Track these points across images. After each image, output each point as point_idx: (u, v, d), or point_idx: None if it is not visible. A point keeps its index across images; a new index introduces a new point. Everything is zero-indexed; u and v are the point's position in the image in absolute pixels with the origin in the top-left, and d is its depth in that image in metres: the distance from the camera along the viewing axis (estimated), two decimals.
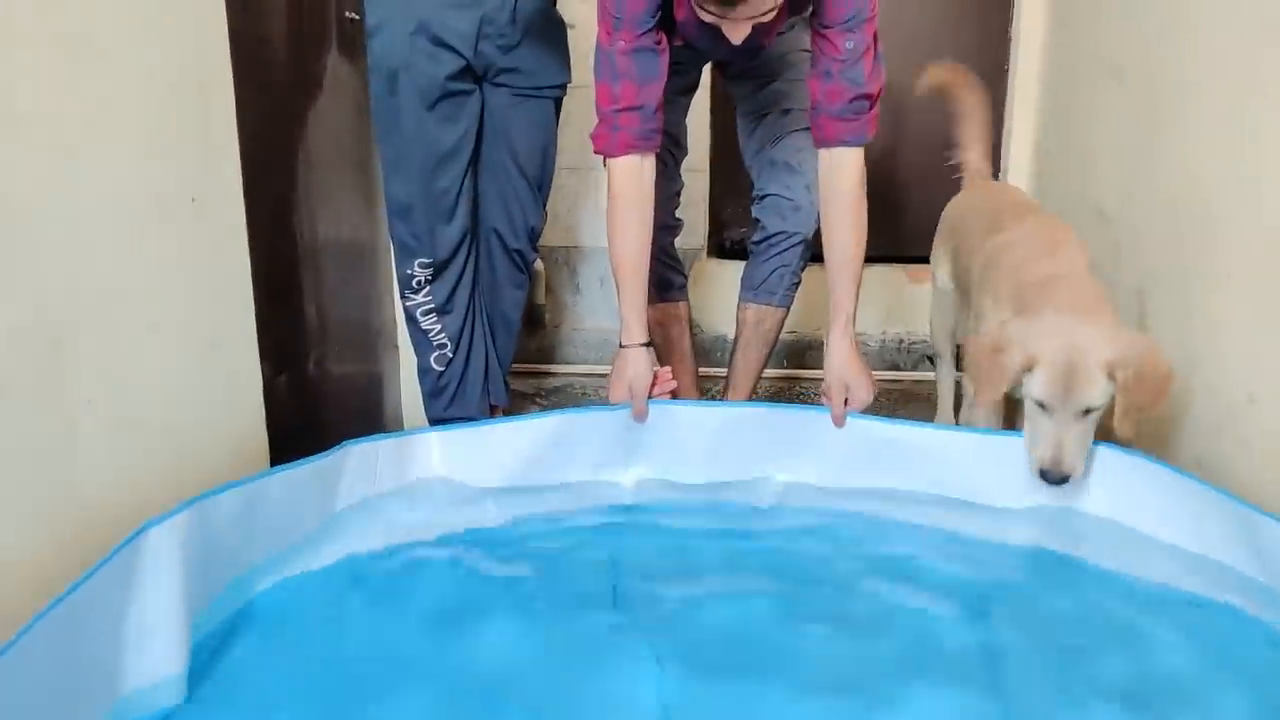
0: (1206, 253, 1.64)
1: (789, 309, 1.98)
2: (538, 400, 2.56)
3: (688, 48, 1.74)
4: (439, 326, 1.93)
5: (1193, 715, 1.04)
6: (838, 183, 1.65)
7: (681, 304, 2.05)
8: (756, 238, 1.94)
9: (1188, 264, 1.72)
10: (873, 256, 2.68)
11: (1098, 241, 2.10)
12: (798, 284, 1.95)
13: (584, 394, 2.62)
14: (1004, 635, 1.21)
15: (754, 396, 2.09)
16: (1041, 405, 1.42)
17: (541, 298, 2.81)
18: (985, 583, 1.36)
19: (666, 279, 1.99)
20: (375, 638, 1.20)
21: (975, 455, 1.58)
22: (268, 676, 1.12)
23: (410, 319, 1.95)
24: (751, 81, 1.89)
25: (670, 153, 1.88)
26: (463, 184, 1.86)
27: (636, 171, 1.63)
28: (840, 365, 1.68)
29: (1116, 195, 2.04)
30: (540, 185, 1.98)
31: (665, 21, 1.60)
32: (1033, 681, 1.11)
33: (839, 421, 1.65)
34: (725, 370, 2.15)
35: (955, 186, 2.23)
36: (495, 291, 2.03)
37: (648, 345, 1.71)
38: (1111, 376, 1.37)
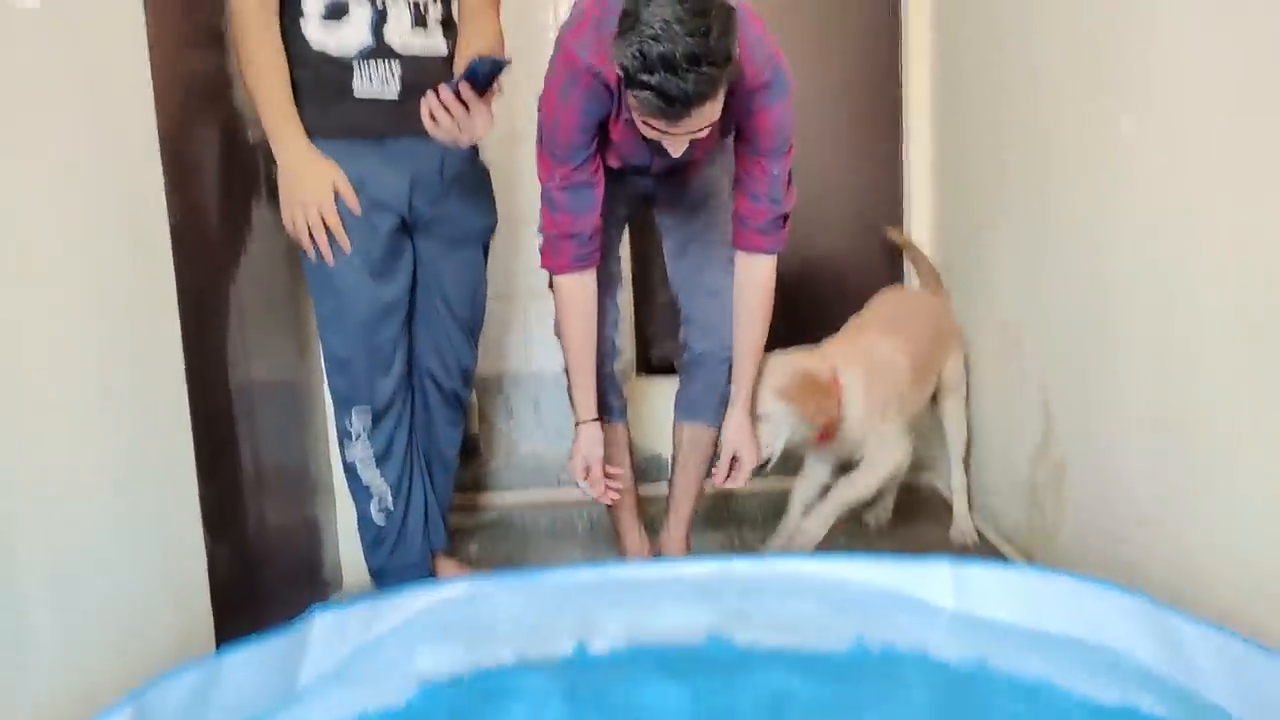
0: (1101, 361, 1.78)
1: (720, 426, 2.05)
2: (475, 535, 2.55)
3: (622, 177, 1.87)
4: (379, 476, 1.93)
5: None
6: (752, 282, 1.88)
7: (620, 426, 2.11)
8: (685, 358, 2.05)
9: (1086, 373, 1.85)
10: None
11: (1004, 354, 2.24)
12: (726, 401, 2.03)
13: (521, 525, 2.62)
14: None
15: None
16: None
17: (475, 427, 2.82)
18: None
19: (606, 403, 2.05)
20: None
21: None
22: None
23: (349, 471, 1.95)
24: (678, 214, 2.01)
25: (606, 284, 1.97)
26: (399, 333, 1.90)
27: (579, 285, 1.86)
28: (734, 433, 1.96)
29: (1014, 305, 2.18)
30: (472, 327, 2.04)
31: (602, 143, 1.75)
32: None
33: (719, 483, 1.98)
34: (661, 489, 2.25)
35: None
36: (431, 432, 2.06)
37: (597, 420, 1.96)
38: (781, 396, 1.95)
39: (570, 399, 1.97)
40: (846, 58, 2.78)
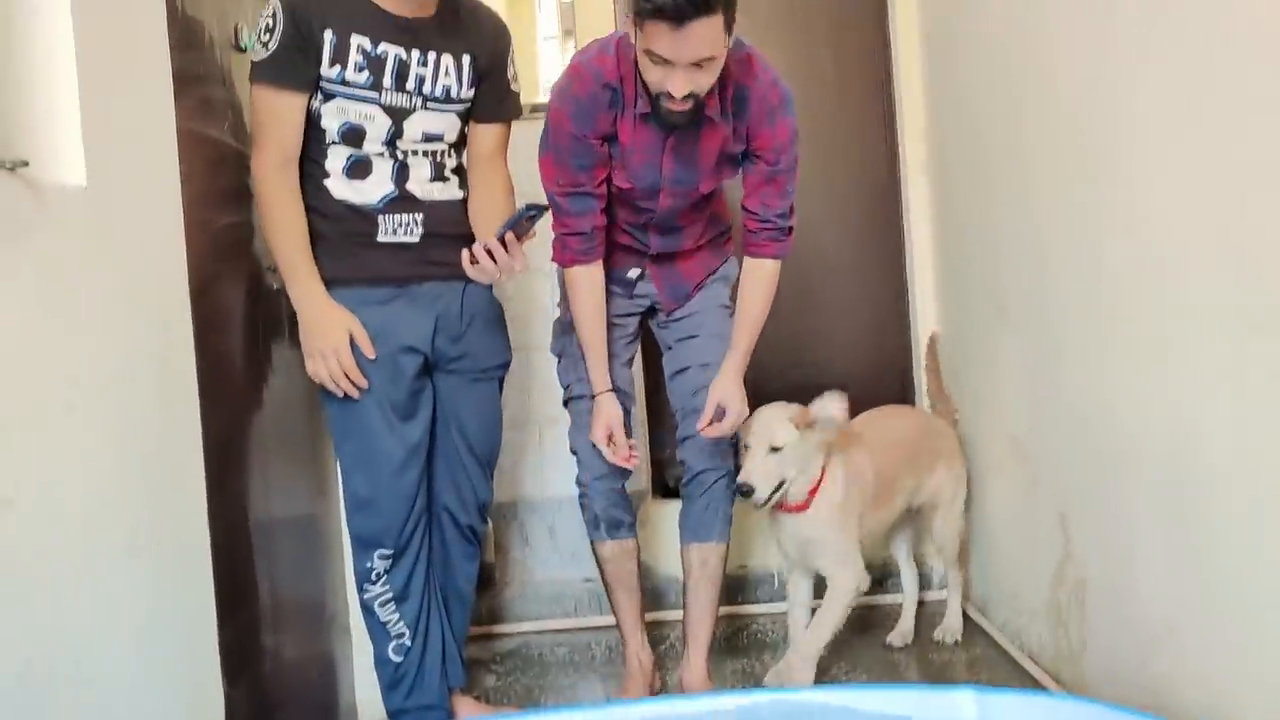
0: (1113, 481, 1.78)
1: (728, 543, 2.13)
2: (492, 667, 2.52)
3: (626, 279, 2.10)
4: (397, 615, 1.92)
5: None
6: (758, 274, 2.03)
7: (630, 541, 2.18)
8: (685, 479, 2.13)
9: (1098, 492, 1.85)
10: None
11: (1018, 471, 2.25)
12: (730, 518, 2.11)
13: (539, 654, 2.59)
14: None
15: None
16: (746, 445, 2.04)
17: (491, 556, 2.82)
18: None
19: (616, 519, 2.14)
20: None
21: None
22: None
23: (367, 611, 1.93)
24: (677, 334, 2.14)
25: (625, 408, 2.09)
26: (422, 473, 1.92)
27: (586, 273, 2.00)
28: (723, 387, 1.99)
29: (1025, 428, 2.20)
30: (489, 461, 2.06)
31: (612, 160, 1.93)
32: None
33: (700, 428, 1.97)
34: (679, 614, 2.27)
35: None
36: (448, 568, 2.05)
37: (613, 390, 2.03)
38: (794, 424, 2.03)
39: (586, 376, 2.04)
40: (849, 174, 2.89)
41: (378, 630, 1.93)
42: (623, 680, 2.25)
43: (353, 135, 1.79)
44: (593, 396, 2.04)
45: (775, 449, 2.02)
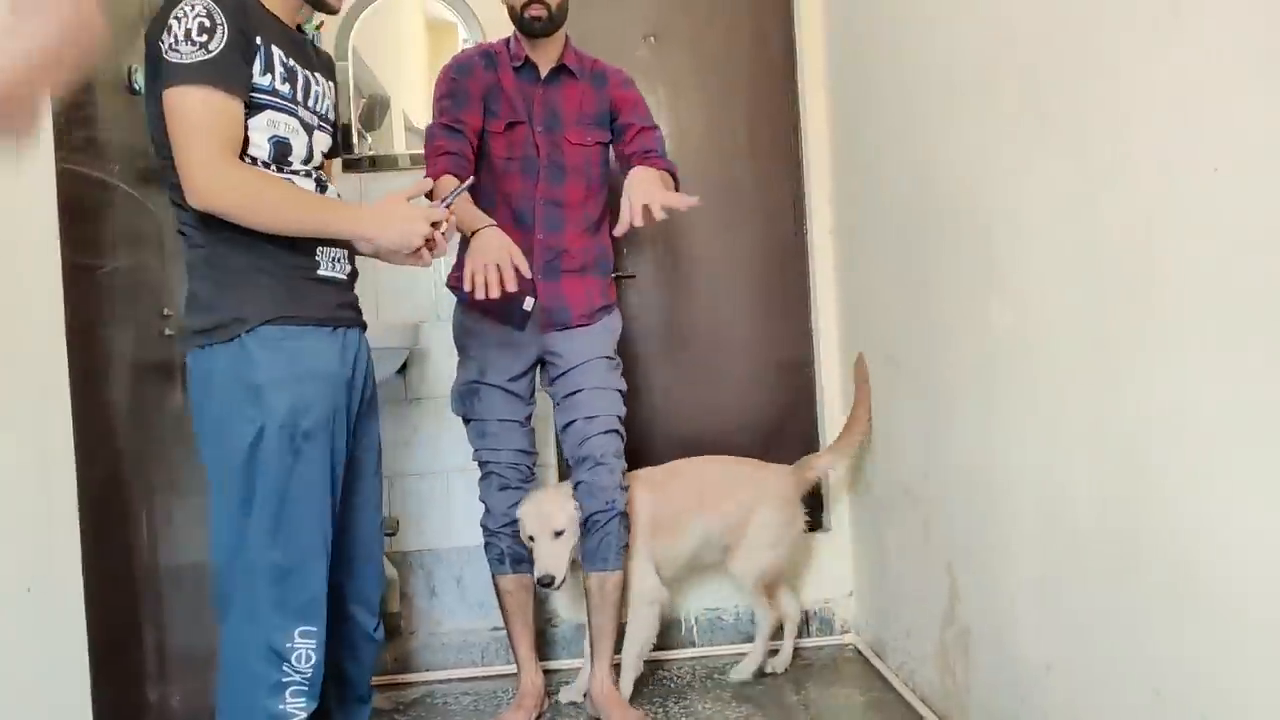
0: (994, 532, 1.86)
1: (623, 569, 2.37)
2: (395, 716, 2.48)
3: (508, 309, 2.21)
4: (301, 711, 1.63)
5: None
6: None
7: (529, 576, 2.38)
8: (581, 518, 2.33)
9: (981, 542, 1.93)
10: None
11: (910, 518, 2.33)
12: (624, 546, 2.35)
13: (445, 703, 2.56)
14: None
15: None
16: (530, 536, 2.30)
17: (396, 605, 2.79)
18: None
19: (520, 555, 2.38)
20: None
21: None
22: None
23: (265, 714, 1.60)
24: (564, 389, 2.33)
25: (528, 467, 2.40)
26: None
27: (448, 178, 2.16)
28: (633, 176, 2.06)
29: (917, 477, 2.28)
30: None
31: (492, 129, 2.29)
32: None
33: (620, 227, 2.00)
34: (580, 662, 2.58)
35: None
36: (357, 665, 1.86)
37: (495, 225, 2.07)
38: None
39: (461, 225, 2.01)
40: (759, 228, 2.97)
41: None
42: (517, 700, 2.40)
43: (281, 151, 1.64)
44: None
45: (559, 533, 2.27)
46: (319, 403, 1.64)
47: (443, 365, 2.84)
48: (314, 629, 1.64)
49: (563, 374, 2.33)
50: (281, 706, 1.61)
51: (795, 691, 2.51)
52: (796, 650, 2.71)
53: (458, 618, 2.84)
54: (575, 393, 2.31)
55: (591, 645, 2.40)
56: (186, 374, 1.65)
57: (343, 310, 1.74)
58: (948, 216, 2.01)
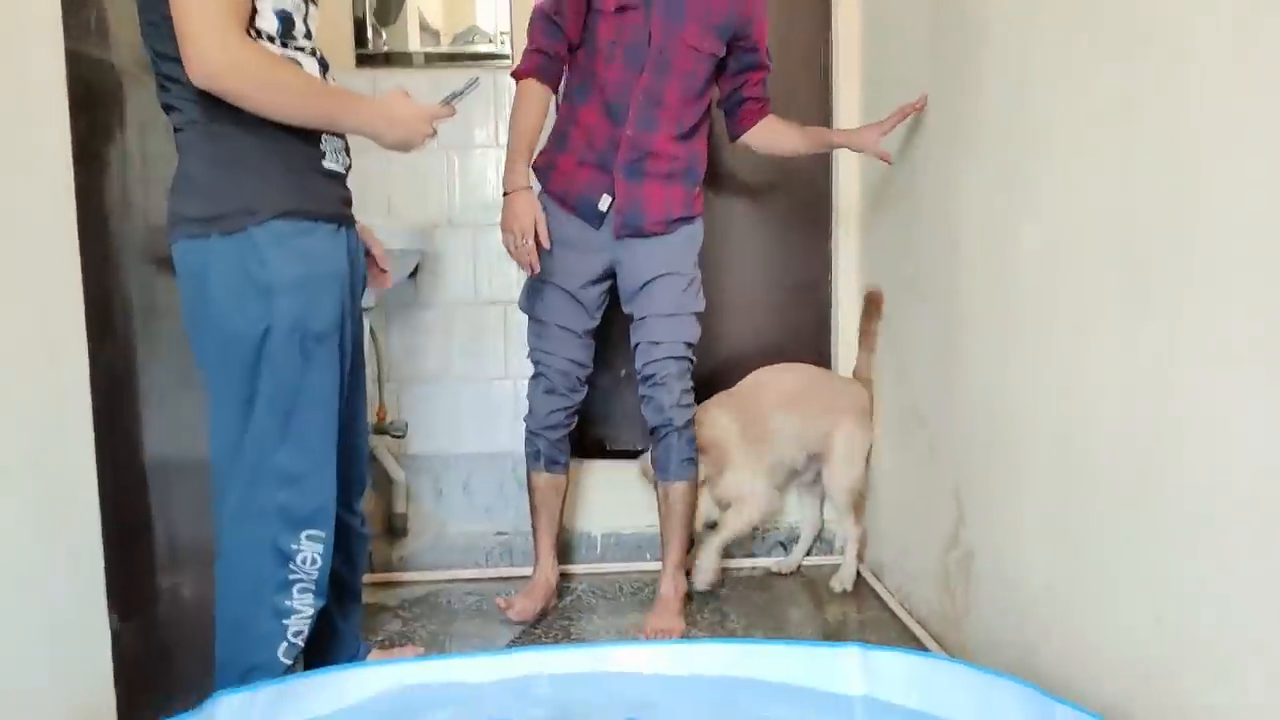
0: (1005, 457, 1.86)
1: (688, 480, 2.40)
2: (399, 613, 2.53)
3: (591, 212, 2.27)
4: (310, 609, 1.64)
5: None
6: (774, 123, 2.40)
7: (562, 478, 2.49)
8: (649, 428, 2.40)
9: (991, 467, 1.93)
10: None
11: (920, 443, 2.33)
12: (688, 459, 2.38)
13: (448, 602, 2.61)
14: None
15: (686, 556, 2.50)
16: None
17: (403, 506, 2.82)
18: None
19: (555, 457, 2.45)
20: None
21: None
22: None
23: (267, 600, 1.61)
24: (636, 310, 2.33)
25: (578, 378, 2.41)
26: None
27: (533, 87, 2.20)
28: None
29: (930, 402, 2.27)
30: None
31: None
32: None
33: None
34: (586, 568, 2.81)
35: None
36: (351, 563, 1.91)
37: (530, 189, 2.18)
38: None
39: (505, 177, 2.20)
40: (787, 165, 2.90)
41: (270, 627, 1.62)
42: (529, 588, 2.47)
43: (286, 27, 1.53)
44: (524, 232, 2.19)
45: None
46: (329, 305, 1.60)
47: (456, 271, 2.81)
48: (322, 534, 1.65)
49: (635, 292, 2.31)
50: (289, 603, 1.63)
51: (791, 607, 2.55)
52: (797, 567, 2.77)
53: (463, 522, 2.87)
54: (644, 319, 2.31)
55: (662, 551, 2.47)
56: (175, 264, 1.56)
57: (345, 207, 1.69)
58: (979, 133, 1.96)
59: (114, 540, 1.58)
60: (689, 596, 2.54)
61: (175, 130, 1.55)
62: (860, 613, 2.49)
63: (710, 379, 2.76)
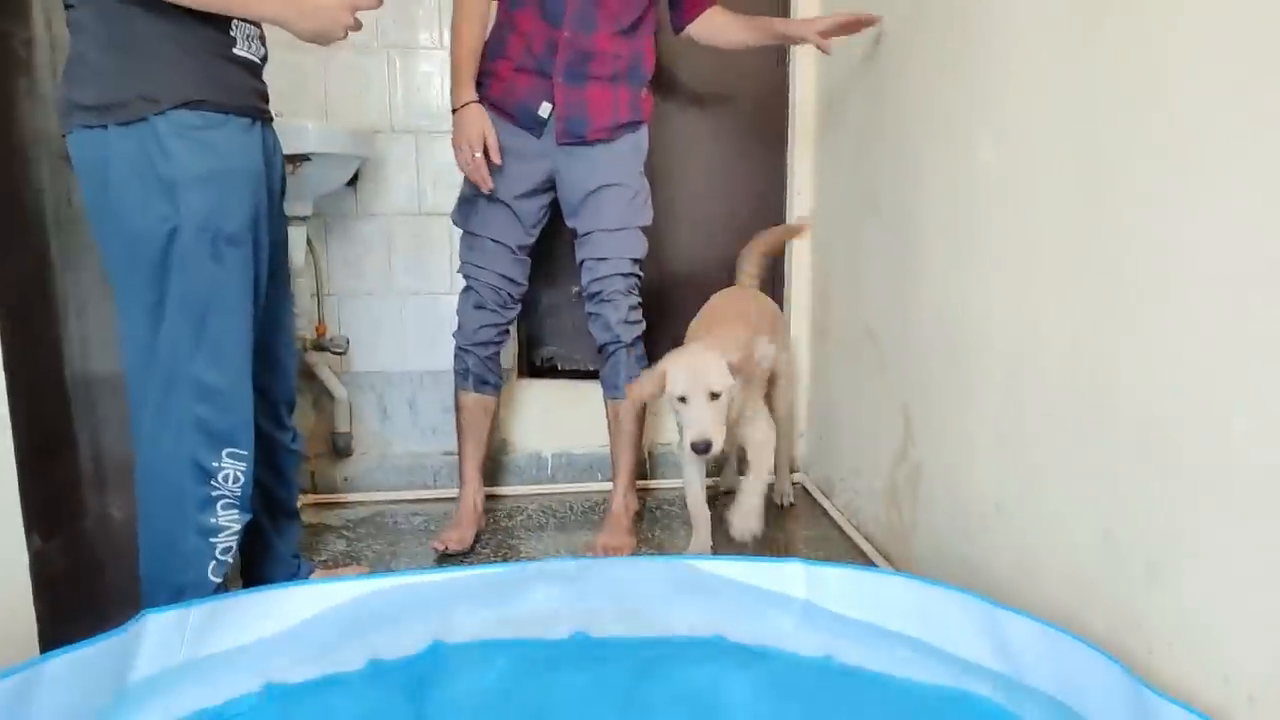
0: (956, 374, 1.84)
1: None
2: (344, 533, 2.48)
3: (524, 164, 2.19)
4: (235, 524, 1.61)
5: None
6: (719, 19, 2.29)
7: (491, 400, 2.41)
8: (597, 346, 2.37)
9: (942, 384, 1.91)
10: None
11: (870, 360, 2.31)
12: (635, 376, 2.27)
13: (395, 523, 2.56)
14: None
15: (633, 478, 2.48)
16: (682, 399, 1.92)
17: (346, 425, 2.75)
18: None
19: (484, 377, 2.37)
20: None
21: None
22: None
23: (190, 518, 1.56)
24: (580, 225, 2.26)
25: (510, 295, 2.32)
26: None
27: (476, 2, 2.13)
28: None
29: (881, 319, 2.25)
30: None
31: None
32: None
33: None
34: (536, 489, 2.80)
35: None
36: (280, 479, 1.86)
37: (478, 102, 2.12)
38: (730, 371, 1.93)
39: (452, 93, 2.14)
40: (742, 77, 2.81)
41: (197, 544, 1.57)
42: (456, 517, 2.40)
43: None
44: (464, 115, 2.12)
45: (714, 395, 1.93)
46: (241, 204, 1.52)
47: (398, 180, 2.70)
48: (244, 453, 1.60)
49: (578, 205, 2.24)
50: (213, 520, 1.58)
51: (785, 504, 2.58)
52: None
53: (409, 441, 2.82)
54: (589, 234, 2.24)
55: (614, 468, 2.45)
56: (71, 157, 1.46)
57: (260, 100, 1.59)
58: (937, 46, 1.89)
59: (31, 457, 1.50)
60: (639, 515, 2.53)
61: (66, 7, 1.43)
62: (807, 529, 2.50)
63: (660, 295, 2.72)
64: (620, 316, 2.27)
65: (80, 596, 1.68)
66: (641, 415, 2.42)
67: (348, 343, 2.70)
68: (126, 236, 1.47)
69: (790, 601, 1.65)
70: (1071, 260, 1.42)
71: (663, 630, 1.61)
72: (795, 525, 2.53)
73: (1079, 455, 1.41)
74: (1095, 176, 1.36)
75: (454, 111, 2.12)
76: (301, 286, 2.59)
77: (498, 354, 2.38)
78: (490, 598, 1.70)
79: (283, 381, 1.82)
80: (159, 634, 1.42)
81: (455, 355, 2.36)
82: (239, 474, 1.60)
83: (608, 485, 2.82)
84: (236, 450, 1.59)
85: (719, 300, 2.46)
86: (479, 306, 2.29)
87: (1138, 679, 1.17)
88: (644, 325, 2.33)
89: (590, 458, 2.86)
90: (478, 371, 2.34)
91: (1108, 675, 1.22)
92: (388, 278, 2.74)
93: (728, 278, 2.63)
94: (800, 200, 2.82)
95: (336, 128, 2.39)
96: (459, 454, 2.43)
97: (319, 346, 2.65)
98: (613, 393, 2.37)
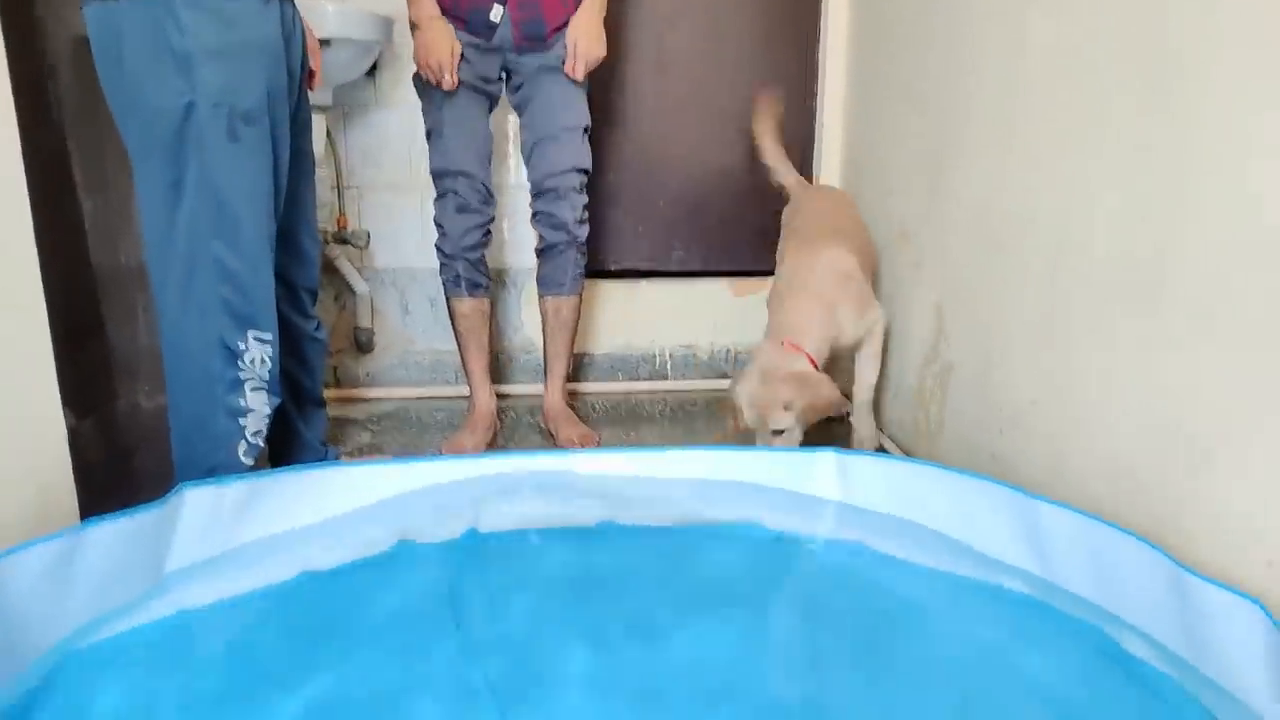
0: (994, 270, 1.81)
1: (580, 294, 2.38)
2: (369, 426, 2.50)
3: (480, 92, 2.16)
4: (265, 408, 1.61)
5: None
6: None
7: (485, 301, 2.38)
8: (539, 246, 2.34)
9: (978, 281, 1.88)
10: (697, 271, 2.83)
11: (900, 258, 2.27)
12: (580, 274, 2.35)
13: (418, 417, 2.58)
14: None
15: (570, 378, 2.50)
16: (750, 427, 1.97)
17: (368, 320, 2.74)
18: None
19: (475, 280, 2.34)
20: (196, 700, 1.13)
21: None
22: None
23: (219, 399, 1.56)
24: (529, 117, 2.24)
25: (489, 189, 2.26)
26: None
27: None
28: (577, 28, 2.13)
29: (916, 216, 2.20)
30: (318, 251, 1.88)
31: None
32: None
33: (567, 69, 2.12)
34: (521, 388, 2.78)
35: (776, 201, 2.49)
36: (305, 367, 1.85)
37: (442, 18, 2.09)
38: (788, 409, 1.89)
39: (410, 6, 2.10)
40: None
41: (227, 425, 1.57)
42: (469, 422, 2.38)
43: None
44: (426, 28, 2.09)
45: (777, 433, 1.92)
46: (257, 80, 1.48)
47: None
48: (268, 336, 1.59)
49: (529, 101, 2.21)
50: (242, 402, 1.58)
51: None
52: None
53: (431, 339, 2.80)
54: (542, 136, 2.22)
55: (546, 365, 2.43)
56: (88, 32, 1.43)
57: None
58: None
59: (62, 340, 1.49)
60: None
61: None
62: (829, 431, 2.50)
63: (685, 189, 2.67)
64: (576, 215, 2.26)
65: (115, 481, 1.69)
66: (580, 312, 2.41)
67: (369, 237, 2.67)
68: (142, 113, 1.45)
69: (824, 503, 1.66)
70: (1130, 146, 1.37)
71: (697, 520, 1.62)
72: (817, 426, 2.53)
73: (1124, 346, 1.39)
74: (1160, 55, 1.30)
75: (414, 28, 2.08)
76: (321, 178, 2.54)
77: (484, 256, 2.33)
78: (516, 489, 1.71)
79: (306, 268, 1.80)
80: (196, 509, 1.44)
81: (442, 267, 2.31)
82: (265, 357, 1.59)
83: (630, 385, 2.83)
84: (260, 334, 1.58)
85: (812, 205, 2.35)
86: (462, 210, 2.23)
87: (1176, 562, 1.17)
88: (589, 225, 2.32)
89: (611, 358, 2.85)
90: (469, 276, 2.30)
91: (1144, 561, 1.23)
92: (408, 171, 2.69)
93: (750, 171, 2.59)
94: (831, 95, 2.73)
95: (357, 10, 2.31)
96: (463, 362, 2.41)
97: (340, 239, 2.62)
98: (557, 290, 2.34)
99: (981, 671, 1.17)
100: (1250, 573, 1.14)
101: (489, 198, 2.26)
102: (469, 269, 2.29)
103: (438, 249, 2.29)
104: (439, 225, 2.28)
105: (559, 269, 2.32)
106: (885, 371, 2.39)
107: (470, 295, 2.32)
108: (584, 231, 2.29)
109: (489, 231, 2.30)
